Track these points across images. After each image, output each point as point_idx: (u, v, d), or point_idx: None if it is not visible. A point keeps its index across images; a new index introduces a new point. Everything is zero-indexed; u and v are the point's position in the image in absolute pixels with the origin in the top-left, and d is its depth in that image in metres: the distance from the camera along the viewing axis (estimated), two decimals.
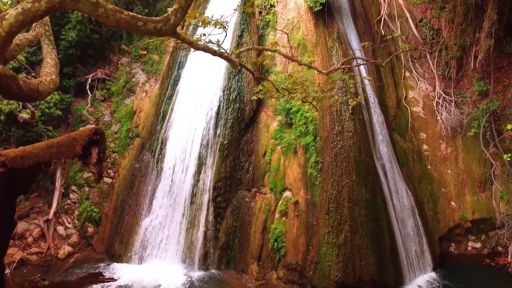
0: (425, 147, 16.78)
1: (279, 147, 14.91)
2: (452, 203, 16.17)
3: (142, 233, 15.18)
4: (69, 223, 16.26)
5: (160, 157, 16.10)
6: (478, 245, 16.17)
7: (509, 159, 14.85)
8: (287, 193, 14.35)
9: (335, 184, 13.28)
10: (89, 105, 18.82)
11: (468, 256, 15.86)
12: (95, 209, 16.27)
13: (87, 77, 19.43)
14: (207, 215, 14.89)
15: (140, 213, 15.61)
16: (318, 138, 13.86)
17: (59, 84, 7.34)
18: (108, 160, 17.09)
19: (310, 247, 13.34)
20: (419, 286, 13.91)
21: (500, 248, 15.66)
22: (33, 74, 15.42)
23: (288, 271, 13.61)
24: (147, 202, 15.66)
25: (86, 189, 16.76)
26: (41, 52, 17.41)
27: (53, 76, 6.61)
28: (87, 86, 19.11)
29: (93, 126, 17.68)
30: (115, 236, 15.68)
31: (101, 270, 14.10)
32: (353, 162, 13.45)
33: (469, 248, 16.18)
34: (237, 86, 15.74)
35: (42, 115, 17.08)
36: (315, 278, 13.10)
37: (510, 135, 15.38)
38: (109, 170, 16.93)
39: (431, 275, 14.57)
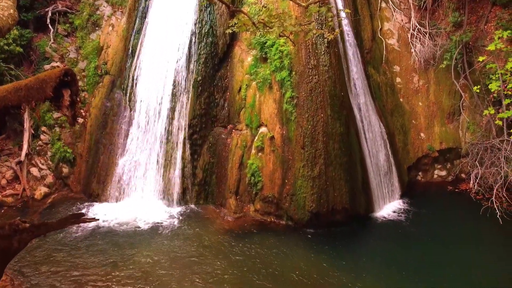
0: (398, 80, 16.95)
1: (254, 82, 14.71)
2: (422, 134, 16.77)
3: (119, 172, 15.17)
4: (42, 164, 16.00)
5: (132, 95, 15.65)
6: (444, 173, 17.11)
7: (478, 90, 15.31)
8: (263, 129, 14.44)
9: (310, 119, 13.41)
10: (52, 40, 17.70)
11: (433, 184, 16.83)
12: (68, 150, 15.98)
13: (46, 9, 18.05)
14: (183, 152, 14.94)
15: (115, 152, 15.48)
16: (293, 73, 13.71)
17: (18, 19, 6.79)
18: (78, 98, 16.51)
19: (286, 181, 13.76)
20: (387, 212, 14.79)
21: (463, 175, 16.64)
22: None
23: (265, 204, 14.12)
24: (122, 141, 15.47)
25: (57, 129, 16.30)
26: None
27: (11, 11, 6.09)
28: (48, 20, 17.81)
29: (63, 66, 16.81)
30: (92, 176, 15.64)
31: (80, 210, 14.24)
32: (328, 97, 13.51)
33: (435, 176, 17.11)
34: (209, 19, 15.06)
35: (1, 52, 16.01)
36: (291, 209, 13.68)
37: (480, 67, 15.68)
38: (80, 110, 16.42)
39: (399, 202, 15.47)
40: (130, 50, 16.00)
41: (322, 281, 11.09)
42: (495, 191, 14.13)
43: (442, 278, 11.24)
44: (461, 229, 13.63)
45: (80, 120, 16.19)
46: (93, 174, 15.68)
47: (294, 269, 11.63)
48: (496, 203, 13.64)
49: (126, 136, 15.52)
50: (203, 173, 14.97)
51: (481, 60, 15.08)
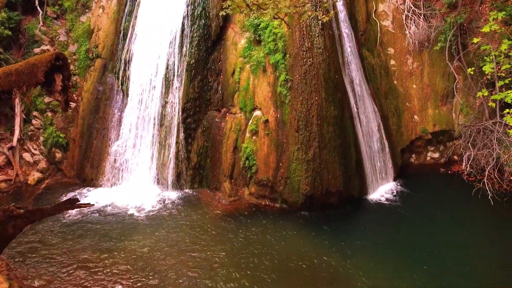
0: (392, 62, 16.89)
1: (248, 65, 14.58)
2: (415, 116, 16.81)
3: (112, 157, 15.10)
4: (35, 149, 15.86)
5: (124, 79, 15.46)
6: (436, 155, 17.24)
7: (471, 72, 15.31)
8: (257, 112, 14.38)
9: (305, 102, 13.36)
10: (41, 23, 17.31)
11: (426, 166, 16.98)
12: (61, 135, 15.83)
13: None
14: (177, 136, 14.87)
15: (108, 137, 15.38)
16: (287, 56, 13.59)
17: (6, 1, 6.61)
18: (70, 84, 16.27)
19: (281, 164, 13.79)
20: (381, 194, 14.92)
21: (455, 157, 16.79)
22: None
23: (259, 187, 14.17)
24: (115, 126, 15.36)
25: (49, 114, 16.12)
26: None
27: None
28: (36, 2, 17.38)
29: (53, 50, 16.51)
30: (85, 161, 15.55)
31: (75, 195, 14.19)
32: (323, 80, 13.44)
33: (428, 158, 17.24)
34: (201, 1, 14.79)
35: None
36: (285, 192, 13.74)
37: (474, 49, 15.64)
38: (72, 95, 16.20)
39: (392, 184, 15.61)
40: (121, 33, 15.74)
41: (317, 263, 11.24)
42: (487, 172, 14.30)
43: (434, 259, 11.41)
44: (453, 210, 13.81)
45: (73, 104, 15.99)
46: (86, 159, 15.59)
47: (289, 251, 11.76)
48: (488, 184, 13.82)
49: (119, 120, 15.40)
50: (197, 157, 14.94)
51: (475, 41, 15.04)
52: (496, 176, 14.34)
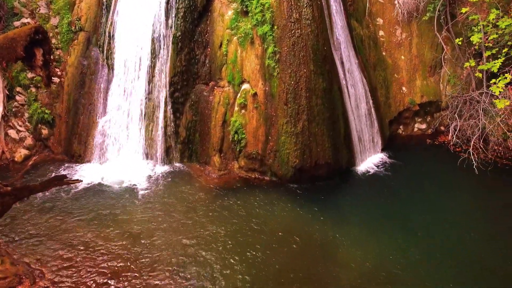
0: (381, 33, 16.76)
1: (235, 37, 14.35)
2: (403, 88, 16.86)
3: (100, 133, 14.93)
4: (20, 126, 15.59)
5: (109, 52, 15.12)
6: (424, 126, 17.42)
7: (460, 43, 15.29)
8: (245, 86, 14.26)
9: (293, 74, 13.27)
10: None
11: (414, 137, 17.19)
12: (46, 111, 15.55)
13: None
14: (165, 111, 14.74)
15: (95, 112, 15.16)
16: (275, 27, 13.39)
17: None
18: (52, 57, 15.83)
19: (270, 137, 13.81)
20: (369, 166, 15.12)
21: (442, 128, 17.01)
22: None
23: (249, 161, 14.22)
24: (102, 101, 15.12)
25: (33, 89, 15.75)
26: None
27: None
28: None
29: (34, 23, 15.97)
30: (72, 137, 15.36)
31: (63, 172, 14.09)
32: (311, 51, 13.32)
33: (415, 129, 17.43)
34: None
35: None
36: (274, 165, 13.83)
37: (462, 19, 15.57)
38: (55, 69, 15.81)
39: (380, 155, 15.81)
40: (104, 5, 15.28)
41: (308, 235, 11.42)
42: (472, 142, 14.54)
43: (422, 230, 11.65)
44: (440, 180, 14.07)
45: (56, 79, 15.65)
46: (73, 135, 15.40)
47: (278, 223, 11.94)
48: (473, 154, 14.08)
49: (106, 95, 15.16)
50: (186, 132, 14.87)
51: (463, 11, 14.96)
52: (481, 146, 14.59)
